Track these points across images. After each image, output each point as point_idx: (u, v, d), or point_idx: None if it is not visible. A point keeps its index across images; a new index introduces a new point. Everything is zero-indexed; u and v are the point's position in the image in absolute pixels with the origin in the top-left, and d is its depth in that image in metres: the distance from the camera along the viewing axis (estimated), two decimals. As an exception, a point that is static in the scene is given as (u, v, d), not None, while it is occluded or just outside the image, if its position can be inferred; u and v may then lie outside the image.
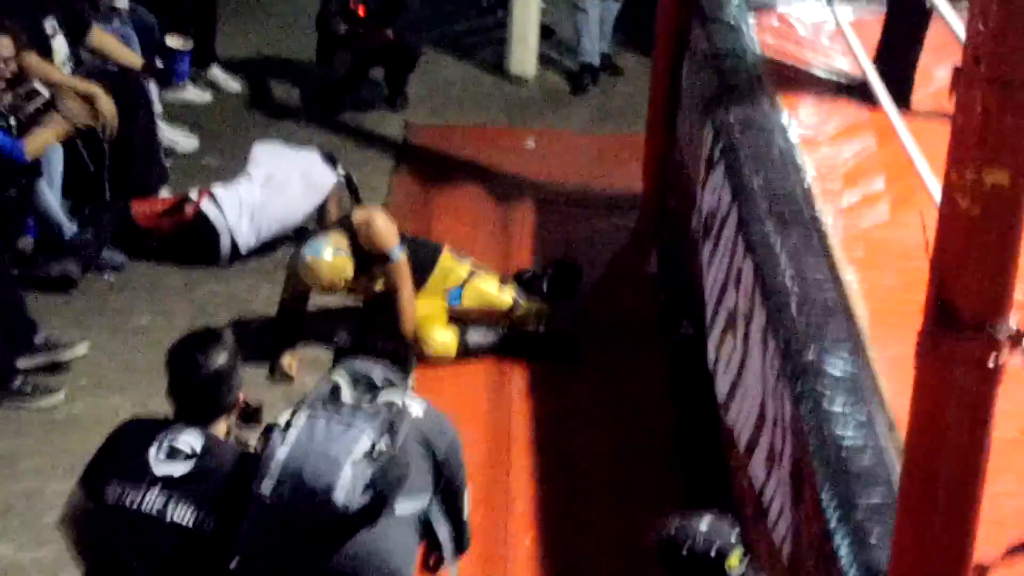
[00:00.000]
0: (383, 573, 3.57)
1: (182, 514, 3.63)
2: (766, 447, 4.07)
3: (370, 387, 3.61)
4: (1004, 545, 2.66)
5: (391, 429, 3.52)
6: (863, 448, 3.57)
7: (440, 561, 3.87)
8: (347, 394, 3.58)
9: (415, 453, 3.61)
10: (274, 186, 6.35)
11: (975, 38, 2.36)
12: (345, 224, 5.66)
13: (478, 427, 5.36)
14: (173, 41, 6.48)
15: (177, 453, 3.66)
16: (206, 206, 6.30)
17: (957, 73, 2.43)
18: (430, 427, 3.69)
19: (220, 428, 3.79)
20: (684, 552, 3.28)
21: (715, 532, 3.35)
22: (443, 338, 5.74)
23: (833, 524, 3.37)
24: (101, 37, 6.44)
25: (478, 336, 5.80)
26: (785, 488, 3.82)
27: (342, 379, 3.61)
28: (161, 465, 3.65)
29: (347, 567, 3.55)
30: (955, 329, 2.41)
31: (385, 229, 5.59)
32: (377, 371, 3.64)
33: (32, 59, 5.99)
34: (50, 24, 6.26)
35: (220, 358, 3.69)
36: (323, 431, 3.50)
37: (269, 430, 3.65)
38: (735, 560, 3.30)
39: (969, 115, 2.39)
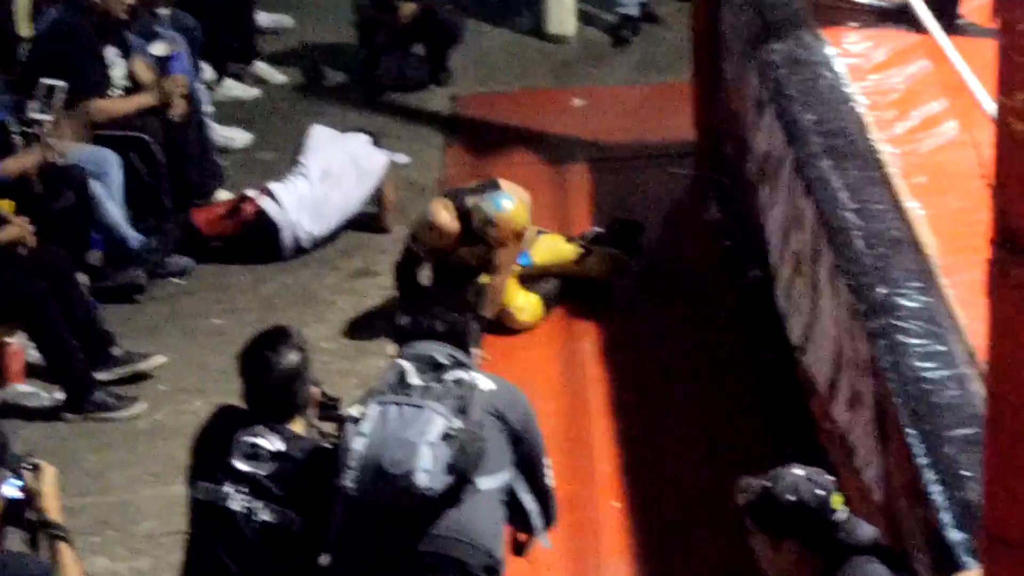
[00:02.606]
0: (474, 549, 3.56)
1: (268, 513, 3.67)
2: (847, 389, 4.03)
3: (436, 368, 3.59)
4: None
5: (463, 407, 3.51)
6: (945, 380, 3.51)
7: (531, 538, 3.86)
8: (414, 378, 3.56)
9: (490, 428, 3.59)
10: (332, 179, 6.40)
11: (1016, -45, 2.29)
12: (456, 199, 5.63)
13: (554, 395, 5.34)
14: (158, 49, 6.50)
15: (259, 452, 3.69)
16: (265, 204, 6.34)
17: (1000, -6, 2.36)
18: (502, 400, 3.67)
19: (298, 425, 3.81)
20: (791, 500, 3.16)
21: (813, 476, 3.26)
22: (528, 304, 5.70)
23: (922, 461, 3.32)
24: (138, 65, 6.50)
25: (550, 287, 5.77)
26: (870, 429, 3.78)
27: (407, 365, 3.60)
28: (244, 464, 3.69)
29: (438, 548, 3.55)
30: (1023, 255, 2.35)
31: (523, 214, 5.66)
32: (441, 352, 3.62)
33: (96, 105, 6.13)
34: (111, 52, 6.32)
35: (290, 356, 3.70)
36: (396, 417, 3.49)
37: (345, 422, 3.66)
38: (838, 499, 3.22)
39: (1014, 34, 2.32)
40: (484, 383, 3.64)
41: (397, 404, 3.51)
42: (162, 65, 6.48)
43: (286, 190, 6.37)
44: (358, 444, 3.50)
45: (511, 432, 3.66)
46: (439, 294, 3.95)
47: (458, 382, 3.56)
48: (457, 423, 3.48)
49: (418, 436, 3.45)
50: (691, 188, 6.71)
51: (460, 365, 3.62)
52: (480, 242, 5.63)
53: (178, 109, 6.30)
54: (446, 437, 3.46)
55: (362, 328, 5.91)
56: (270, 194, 6.37)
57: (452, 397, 3.52)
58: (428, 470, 3.44)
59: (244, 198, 6.40)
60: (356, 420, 3.54)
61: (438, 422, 3.47)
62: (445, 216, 5.59)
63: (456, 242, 5.62)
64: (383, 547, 3.57)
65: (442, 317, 3.75)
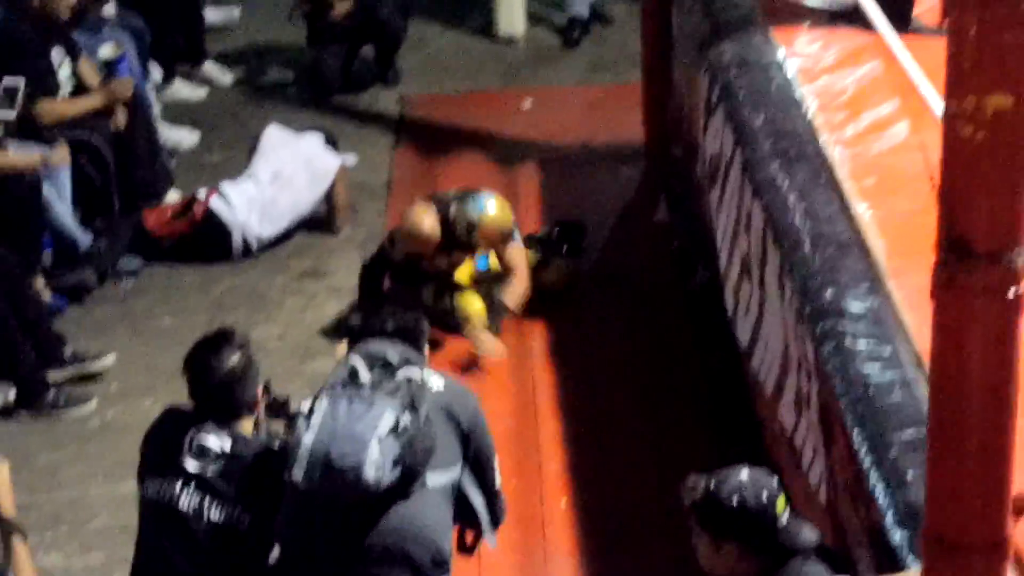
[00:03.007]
0: (420, 544, 3.58)
1: (217, 512, 3.73)
2: (793, 391, 4.04)
3: (386, 366, 3.60)
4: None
5: (413, 404, 3.52)
6: (891, 384, 3.53)
7: (478, 537, 3.87)
8: (365, 376, 3.57)
9: (440, 425, 3.62)
10: (282, 181, 6.39)
11: (962, -40, 2.30)
12: (440, 204, 5.60)
13: (503, 395, 5.35)
14: (105, 51, 6.47)
15: (207, 452, 3.75)
16: (215, 204, 6.33)
17: (947, -1, 2.37)
18: (452, 399, 3.70)
19: (246, 425, 3.87)
20: (734, 504, 3.18)
21: (758, 479, 3.29)
22: (475, 307, 5.70)
23: (867, 464, 3.34)
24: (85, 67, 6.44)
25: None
26: (816, 431, 3.79)
27: (358, 362, 3.60)
28: (192, 463, 3.75)
29: (385, 542, 3.56)
30: (969, 262, 2.36)
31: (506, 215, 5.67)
32: (392, 350, 3.63)
33: (44, 107, 6.08)
34: (57, 53, 6.27)
35: (233, 358, 3.76)
36: (346, 412, 3.49)
37: (294, 419, 3.66)
38: (782, 503, 3.24)
39: (963, 39, 2.33)
40: (435, 382, 3.68)
41: (348, 399, 3.51)
42: (109, 68, 6.44)
43: (236, 191, 6.35)
44: (307, 438, 3.49)
45: (460, 431, 3.69)
46: (393, 294, 3.95)
47: (408, 380, 3.57)
48: (406, 418, 3.48)
49: (367, 430, 3.46)
50: (641, 189, 6.73)
51: (411, 364, 3.62)
52: (457, 249, 5.61)
53: (120, 119, 6.26)
54: (395, 432, 3.47)
55: (311, 328, 5.90)
56: (220, 195, 6.34)
57: (402, 394, 3.52)
58: (376, 464, 3.45)
59: (194, 199, 6.38)
60: (306, 415, 3.53)
61: (387, 417, 3.47)
62: (429, 222, 5.55)
63: (435, 249, 5.60)
64: (331, 540, 3.58)
65: (394, 317, 3.77)
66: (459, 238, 5.57)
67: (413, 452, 3.50)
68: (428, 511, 3.60)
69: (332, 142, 6.63)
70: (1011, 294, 2.37)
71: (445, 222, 5.56)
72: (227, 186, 6.39)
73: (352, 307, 5.78)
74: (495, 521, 3.85)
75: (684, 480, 3.32)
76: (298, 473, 3.50)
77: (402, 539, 3.56)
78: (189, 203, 6.38)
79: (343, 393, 3.53)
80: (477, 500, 3.77)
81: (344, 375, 3.59)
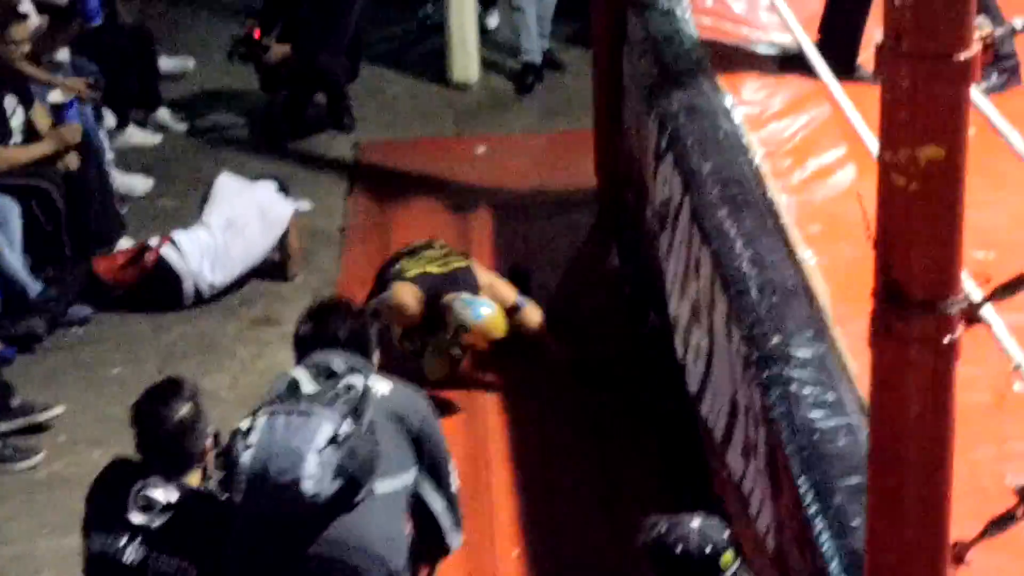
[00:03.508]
0: (364, 555, 3.52)
1: (163, 565, 3.68)
2: (741, 438, 4.05)
3: (330, 376, 3.54)
4: (985, 517, 2.64)
5: (355, 412, 3.46)
6: (836, 429, 3.54)
7: (440, 553, 3.82)
8: (308, 387, 3.51)
9: (388, 432, 3.56)
10: (235, 230, 6.39)
11: (894, 13, 2.33)
12: (428, 288, 5.58)
13: (454, 443, 5.26)
14: (55, 96, 6.46)
15: (152, 504, 3.70)
16: (166, 252, 6.31)
17: (880, 50, 2.40)
18: (400, 403, 3.65)
19: (194, 477, 3.82)
20: (678, 552, 3.22)
21: (707, 530, 3.32)
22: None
23: (812, 510, 3.34)
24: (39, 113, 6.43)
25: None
26: (763, 478, 3.80)
27: (301, 373, 3.55)
28: (138, 516, 3.71)
29: (327, 552, 3.50)
30: (906, 309, 2.38)
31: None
32: (337, 359, 3.57)
33: None
34: (10, 101, 6.25)
35: (182, 409, 3.72)
36: (283, 427, 3.44)
37: (233, 437, 3.59)
38: (728, 557, 3.27)
39: (897, 92, 2.36)
40: (380, 386, 3.63)
41: (285, 413, 3.46)
42: (57, 113, 6.43)
43: (188, 239, 6.33)
44: (245, 457, 3.45)
45: (410, 434, 3.62)
46: (339, 303, 3.85)
47: (348, 388, 3.50)
48: (346, 427, 3.43)
49: (304, 444, 3.41)
50: (593, 236, 6.75)
51: (355, 372, 3.55)
52: (440, 330, 5.59)
53: (71, 165, 6.26)
54: (334, 442, 3.42)
55: (264, 377, 5.86)
56: (172, 243, 6.33)
57: (343, 402, 3.47)
58: (315, 477, 3.40)
59: (145, 247, 6.37)
60: (244, 433, 3.49)
61: (325, 428, 3.42)
62: (414, 306, 5.55)
63: (417, 323, 5.58)
64: (275, 556, 3.52)
65: (343, 324, 3.72)
66: (443, 325, 5.55)
67: (355, 461, 3.44)
68: (375, 521, 3.53)
69: (285, 189, 6.63)
70: (946, 341, 2.39)
71: (432, 302, 5.54)
72: (179, 234, 6.38)
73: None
74: (455, 524, 3.79)
75: (642, 520, 3.36)
76: (237, 493, 3.46)
77: (345, 550, 3.50)
78: (141, 251, 6.37)
79: (281, 408, 3.48)
80: (437, 505, 3.71)
81: (283, 388, 3.53)
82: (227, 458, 3.58)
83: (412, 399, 3.72)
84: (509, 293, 5.75)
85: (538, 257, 6.40)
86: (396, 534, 3.61)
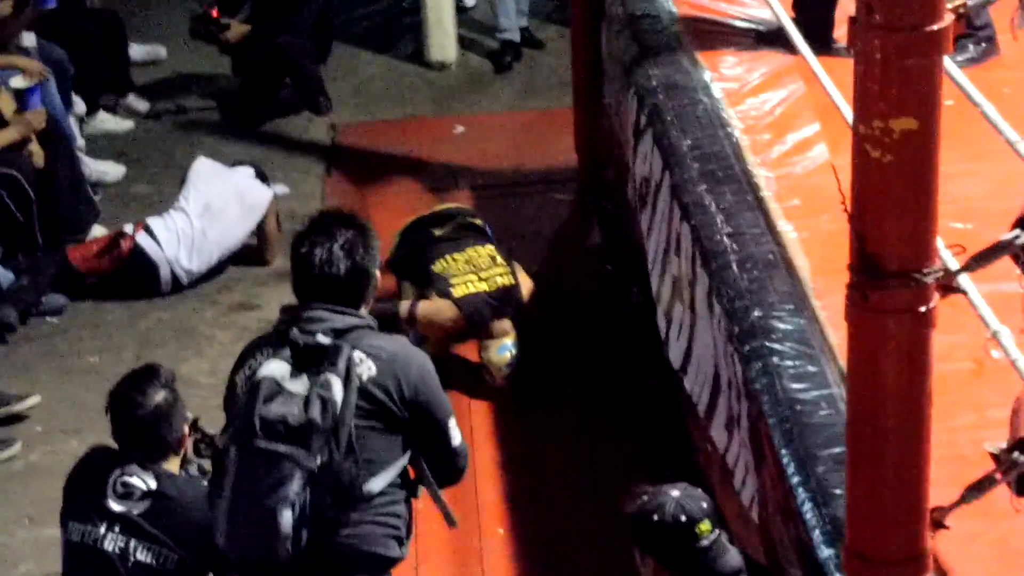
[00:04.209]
0: (360, 560, 3.47)
1: (143, 553, 3.69)
2: (725, 411, 4.05)
3: (315, 357, 3.34)
4: (964, 483, 2.64)
5: (331, 438, 3.30)
6: (817, 401, 3.55)
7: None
8: (289, 385, 3.31)
9: (374, 420, 3.39)
10: (212, 215, 6.31)
11: (865, -14, 2.32)
12: (473, 311, 5.51)
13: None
14: (17, 82, 6.40)
15: (132, 491, 3.69)
16: (141, 239, 6.24)
17: (853, 23, 2.39)
18: (388, 375, 3.40)
19: (172, 464, 3.81)
20: (654, 519, 3.27)
21: (685, 501, 3.35)
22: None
23: (795, 482, 3.35)
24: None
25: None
26: (747, 451, 3.80)
27: (278, 370, 3.34)
28: (117, 503, 3.70)
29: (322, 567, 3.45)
30: (882, 280, 2.38)
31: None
32: (321, 335, 3.34)
33: None
34: None
35: (158, 396, 3.71)
36: (248, 479, 3.31)
37: (213, 455, 3.54)
38: (706, 527, 3.29)
39: (870, 65, 2.36)
40: (365, 368, 3.39)
41: (251, 463, 3.30)
42: (20, 99, 6.37)
43: (164, 226, 6.28)
44: (221, 505, 3.36)
45: (403, 404, 3.41)
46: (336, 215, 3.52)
47: (326, 384, 3.30)
48: (317, 462, 3.29)
49: (276, 500, 3.28)
50: (574, 213, 6.73)
51: (337, 354, 3.34)
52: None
53: (37, 161, 6.19)
54: (308, 484, 3.30)
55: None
56: (147, 230, 6.27)
57: (315, 438, 3.28)
58: (287, 538, 3.29)
59: (121, 234, 6.30)
60: (218, 470, 3.39)
61: (296, 476, 3.28)
62: (449, 325, 5.52)
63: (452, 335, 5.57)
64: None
65: (342, 258, 3.41)
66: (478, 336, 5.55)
67: (334, 497, 3.33)
68: (367, 525, 3.45)
69: (263, 176, 6.57)
70: (923, 311, 2.39)
71: (472, 322, 5.51)
72: (154, 220, 6.31)
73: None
74: (451, 479, 3.63)
75: (630, 488, 3.42)
76: (220, 540, 3.40)
77: (338, 561, 3.45)
78: (115, 238, 6.29)
79: (253, 443, 3.30)
80: (428, 469, 3.57)
81: (268, 391, 3.32)
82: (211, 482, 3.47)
83: (404, 367, 3.44)
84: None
85: (519, 236, 6.38)
86: (391, 528, 3.51)
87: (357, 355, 3.39)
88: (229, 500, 3.35)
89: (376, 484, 3.46)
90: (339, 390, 3.34)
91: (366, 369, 3.40)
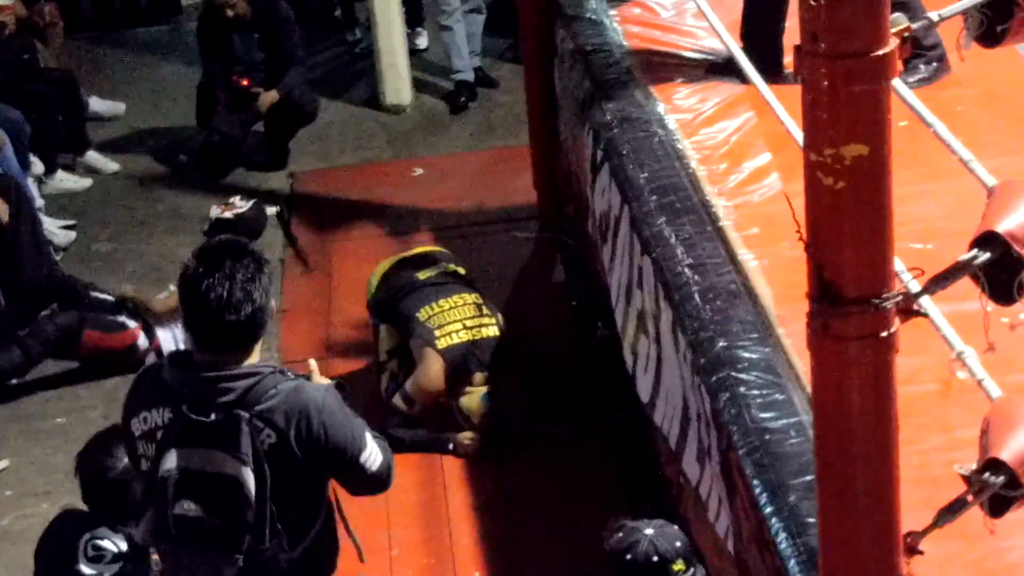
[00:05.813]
0: None
1: None
2: (695, 443, 4.05)
3: (212, 440, 3.13)
4: (937, 505, 2.64)
5: (254, 528, 3.16)
6: (786, 429, 3.55)
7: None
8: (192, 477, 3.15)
9: (292, 492, 3.23)
10: None
11: (809, 13, 2.33)
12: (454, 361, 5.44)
13: (410, 467, 5.26)
14: None
15: (103, 554, 3.67)
16: (149, 356, 5.93)
17: (798, 51, 2.40)
18: (288, 437, 3.18)
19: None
20: (627, 558, 3.30)
21: (659, 539, 3.37)
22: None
23: (768, 510, 3.35)
24: None
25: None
26: (719, 482, 3.79)
27: (181, 460, 3.14)
28: (88, 567, 3.69)
29: None
30: (841, 307, 2.39)
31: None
32: (211, 403, 3.11)
33: None
34: None
35: (126, 458, 3.63)
36: (189, 570, 3.24)
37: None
38: (679, 566, 3.31)
39: (817, 92, 2.36)
40: (265, 434, 3.17)
41: (182, 552, 3.23)
42: None
43: (172, 338, 6.07)
44: None
45: (310, 457, 3.22)
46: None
47: (233, 481, 3.11)
48: (243, 552, 3.18)
49: None
50: (536, 251, 6.74)
51: (244, 396, 3.11)
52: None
53: (2, 217, 6.15)
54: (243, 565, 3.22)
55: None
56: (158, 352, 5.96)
57: (236, 514, 3.14)
58: None
59: (135, 346, 6.02)
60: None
61: (227, 566, 3.21)
62: (439, 384, 5.43)
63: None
64: None
65: (242, 300, 3.15)
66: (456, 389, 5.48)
67: (267, 567, 3.24)
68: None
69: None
70: (884, 335, 2.39)
71: (454, 374, 5.43)
72: (166, 336, 6.08)
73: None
74: (384, 485, 3.42)
75: (605, 526, 3.51)
76: None
77: None
78: (132, 346, 6.02)
79: (175, 548, 3.22)
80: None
81: (177, 479, 3.15)
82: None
83: (303, 420, 3.19)
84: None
85: (483, 276, 6.37)
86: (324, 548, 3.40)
87: (257, 425, 3.17)
88: None
89: (305, 541, 3.34)
90: (250, 478, 3.16)
91: (266, 437, 3.19)
